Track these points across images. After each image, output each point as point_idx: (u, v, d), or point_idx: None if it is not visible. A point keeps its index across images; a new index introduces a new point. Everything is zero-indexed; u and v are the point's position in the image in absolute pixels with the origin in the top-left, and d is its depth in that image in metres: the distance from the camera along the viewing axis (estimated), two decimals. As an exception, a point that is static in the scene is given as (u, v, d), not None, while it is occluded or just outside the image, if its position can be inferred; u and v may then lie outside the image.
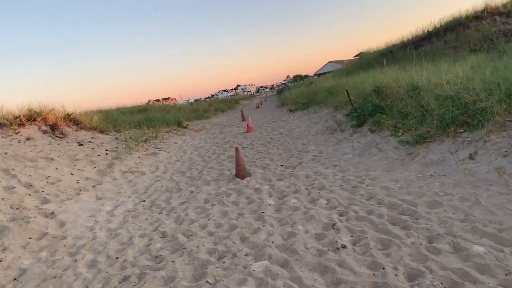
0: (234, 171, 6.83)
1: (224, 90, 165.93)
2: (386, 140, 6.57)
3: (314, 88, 18.97)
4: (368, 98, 8.48)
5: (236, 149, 6.52)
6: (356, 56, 76.00)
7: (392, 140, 6.39)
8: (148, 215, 5.20)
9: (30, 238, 4.55)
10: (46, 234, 4.65)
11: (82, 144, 10.09)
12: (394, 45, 22.24)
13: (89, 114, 13.70)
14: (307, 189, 5.24)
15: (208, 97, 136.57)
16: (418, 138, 5.65)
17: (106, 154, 9.30)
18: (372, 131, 7.21)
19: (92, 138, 11.60)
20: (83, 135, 11.51)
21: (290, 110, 16.84)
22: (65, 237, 4.61)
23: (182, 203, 5.53)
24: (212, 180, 6.64)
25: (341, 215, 4.13)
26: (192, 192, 6.06)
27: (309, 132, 10.03)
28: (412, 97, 6.99)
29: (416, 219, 3.67)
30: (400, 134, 6.30)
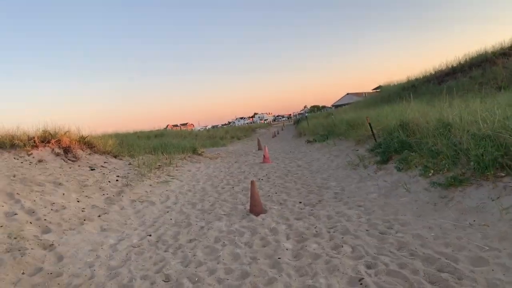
0: (248, 206, 6.37)
1: (241, 118, 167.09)
2: (415, 180, 6.04)
3: (333, 119, 18.55)
4: (393, 133, 8.00)
5: (252, 182, 6.09)
6: (375, 89, 75.94)
7: (421, 181, 5.85)
8: (153, 253, 4.75)
9: (23, 273, 4.15)
10: (41, 269, 4.24)
11: (93, 169, 9.83)
12: (416, 79, 21.84)
13: (104, 137, 13.59)
14: (329, 232, 4.72)
15: (225, 124, 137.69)
16: (452, 180, 5.11)
17: (117, 180, 8.99)
18: (398, 169, 6.69)
19: (105, 162, 11.38)
20: (96, 159, 11.30)
21: (309, 141, 16.39)
22: (60, 274, 4.18)
23: (190, 241, 5.08)
24: (224, 215, 6.19)
25: (369, 267, 3.60)
26: (202, 228, 5.61)
27: (329, 166, 9.53)
28: (442, 134, 6.49)
29: (459, 279, 3.12)
30: (430, 174, 5.77)
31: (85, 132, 12.13)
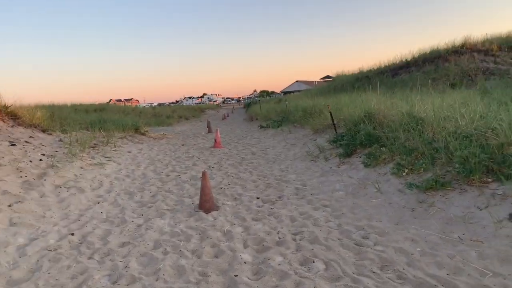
0: (197, 200, 5.42)
1: (190, 97, 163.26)
2: (385, 179, 5.44)
3: (287, 105, 17.93)
4: (359, 125, 7.40)
5: (204, 174, 5.13)
6: (324, 78, 77.36)
7: (394, 180, 5.26)
8: (73, 260, 3.68)
9: None
10: None
11: (14, 144, 8.27)
12: (370, 70, 21.84)
13: (32, 108, 11.78)
14: (295, 240, 3.94)
15: (173, 103, 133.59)
16: (432, 182, 4.54)
17: (40, 160, 7.56)
18: (366, 165, 6.09)
19: (30, 137, 9.77)
20: (20, 132, 9.67)
21: (262, 127, 15.62)
22: None
23: (123, 244, 4.06)
24: (168, 210, 5.19)
25: (350, 293, 2.86)
26: (139, 226, 4.59)
27: (287, 155, 8.79)
28: (414, 129, 5.95)
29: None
30: (404, 173, 5.20)
31: (9, 100, 10.38)
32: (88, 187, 6.52)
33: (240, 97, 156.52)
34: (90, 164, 8.17)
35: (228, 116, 33.82)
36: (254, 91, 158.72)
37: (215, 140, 10.88)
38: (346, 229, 4.14)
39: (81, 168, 7.75)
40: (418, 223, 4.08)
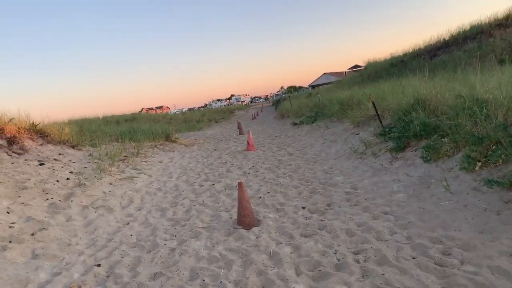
0: (234, 214, 4.80)
1: (218, 100, 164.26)
2: (453, 175, 4.59)
3: (320, 99, 17.06)
4: (409, 114, 6.53)
5: (240, 185, 4.50)
6: (352, 68, 75.29)
7: (464, 177, 4.41)
8: (98, 301, 3.14)
9: None
10: None
11: (43, 163, 8.02)
12: (405, 54, 20.50)
13: (60, 124, 11.64)
14: (358, 261, 3.22)
15: (202, 107, 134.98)
16: (519, 178, 3.67)
17: (68, 179, 7.22)
18: (426, 160, 5.24)
19: (59, 154, 9.56)
20: (49, 150, 9.46)
21: (295, 124, 14.86)
22: None
23: (155, 276, 3.48)
24: (203, 228, 4.59)
25: None
26: (172, 251, 4.01)
27: (328, 154, 8.02)
28: (480, 113, 5.05)
29: None
30: (477, 167, 4.33)
31: (37, 118, 10.25)
32: (117, 205, 6.06)
33: (267, 95, 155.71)
34: (120, 179, 7.77)
35: (257, 115, 33.24)
36: (282, 87, 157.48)
37: (248, 142, 10.26)
38: (419, 243, 3.37)
39: (110, 184, 7.36)
40: (511, 230, 3.25)
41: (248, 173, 7.26)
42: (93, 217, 5.43)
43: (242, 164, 8.44)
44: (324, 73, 76.89)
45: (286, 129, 15.04)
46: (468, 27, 17.54)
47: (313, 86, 72.63)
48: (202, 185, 6.81)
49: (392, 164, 5.89)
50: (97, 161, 9.11)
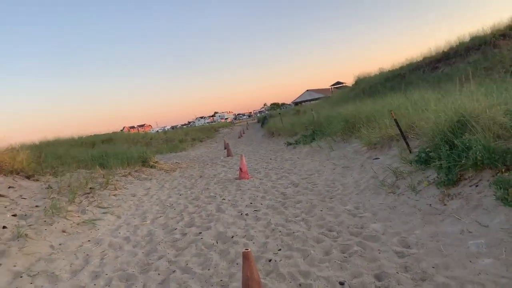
0: (237, 296, 3.09)
1: (201, 117, 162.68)
2: None
3: (314, 116, 15.61)
4: (455, 135, 4.99)
5: (246, 256, 2.82)
6: (334, 85, 75.05)
7: None
8: None
9: None
10: None
11: (-20, 202, 6.18)
12: (401, 68, 19.33)
13: (13, 150, 9.73)
14: None
15: (185, 124, 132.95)
16: None
17: (4, 227, 5.37)
18: (505, 201, 3.67)
19: (9, 187, 7.75)
20: (-2, 183, 7.67)
21: (289, 144, 13.25)
22: None
23: None
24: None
25: None
26: None
27: (345, 185, 6.36)
28: None
29: None
30: None
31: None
32: (66, 269, 4.27)
33: (251, 112, 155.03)
34: (78, 223, 5.95)
35: (243, 133, 31.62)
36: (265, 104, 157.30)
37: (241, 169, 8.52)
38: None
39: (64, 232, 5.54)
40: None
41: (246, 215, 5.53)
42: (24, 297, 3.64)
43: (236, 198, 6.71)
44: (307, 90, 76.63)
45: (281, 149, 13.40)
46: (468, 38, 16.52)
47: (296, 103, 71.97)
48: (185, 234, 5.06)
49: (445, 204, 4.30)
50: (53, 197, 7.29)
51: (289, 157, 10.83)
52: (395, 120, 6.54)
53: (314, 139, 11.97)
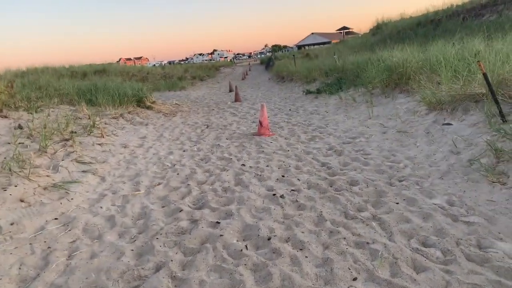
0: None
1: (200, 54, 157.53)
2: None
3: (337, 60, 13.60)
4: None
5: None
6: (340, 30, 71.10)
7: None
8: None
9: None
10: None
11: None
12: (436, 13, 16.91)
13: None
14: None
15: (183, 60, 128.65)
16: None
17: None
18: None
19: (-33, 125, 6.07)
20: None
21: (309, 92, 11.42)
22: None
23: None
24: None
25: None
26: None
27: (413, 160, 4.59)
28: None
29: None
30: None
31: None
32: (12, 273, 2.70)
33: (251, 53, 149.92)
34: (45, 188, 4.32)
35: (247, 74, 29.44)
36: (266, 45, 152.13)
37: (261, 123, 6.80)
38: None
39: (22, 202, 3.92)
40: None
41: (282, 197, 3.89)
42: None
43: (259, 166, 5.01)
44: (312, 33, 72.89)
45: (299, 98, 11.55)
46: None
47: (299, 46, 68.70)
48: (196, 221, 3.45)
49: None
50: (21, 142, 5.62)
51: (313, 110, 9.05)
52: (484, 74, 4.75)
53: (340, 88, 10.14)
